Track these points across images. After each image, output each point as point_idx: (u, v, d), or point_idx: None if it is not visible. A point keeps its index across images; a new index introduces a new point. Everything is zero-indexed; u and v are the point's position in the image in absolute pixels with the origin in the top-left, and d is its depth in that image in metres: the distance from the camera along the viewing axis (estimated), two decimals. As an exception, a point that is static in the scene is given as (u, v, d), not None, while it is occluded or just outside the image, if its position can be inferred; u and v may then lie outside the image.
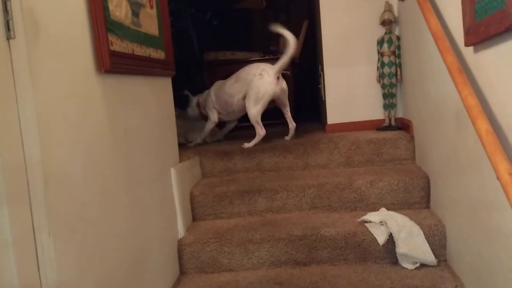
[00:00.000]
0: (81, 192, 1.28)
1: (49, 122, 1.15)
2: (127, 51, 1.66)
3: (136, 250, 1.67)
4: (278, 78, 2.72)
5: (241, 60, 3.52)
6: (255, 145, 2.71)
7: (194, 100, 3.15)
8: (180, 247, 2.14)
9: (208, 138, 3.08)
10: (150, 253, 1.81)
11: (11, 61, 1.03)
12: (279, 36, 3.93)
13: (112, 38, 1.53)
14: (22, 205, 1.03)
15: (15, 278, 0.99)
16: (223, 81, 3.01)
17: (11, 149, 1.01)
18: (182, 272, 2.15)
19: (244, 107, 2.79)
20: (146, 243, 1.78)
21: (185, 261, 2.14)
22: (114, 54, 1.52)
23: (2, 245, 0.97)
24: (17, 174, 1.03)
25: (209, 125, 3.01)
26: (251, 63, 3.45)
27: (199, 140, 2.98)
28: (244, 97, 2.77)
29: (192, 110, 3.15)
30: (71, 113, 1.27)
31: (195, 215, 2.40)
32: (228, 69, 3.43)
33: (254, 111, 2.70)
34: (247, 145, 2.71)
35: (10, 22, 1.03)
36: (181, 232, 2.18)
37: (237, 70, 3.39)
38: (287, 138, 2.91)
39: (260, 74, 2.69)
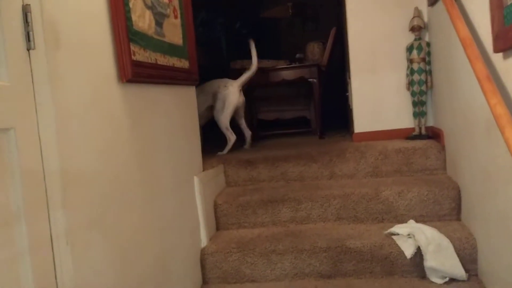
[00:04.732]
0: (100, 200, 1.29)
1: (68, 131, 1.16)
2: (150, 61, 1.67)
3: (157, 258, 1.66)
4: (240, 91, 3.00)
5: (268, 69, 3.51)
6: (229, 151, 2.95)
7: None
8: (203, 256, 2.13)
9: None
10: (172, 262, 1.81)
11: (31, 71, 1.05)
12: (306, 45, 3.93)
13: (134, 48, 1.54)
14: (40, 213, 1.04)
15: (32, 286, 1.00)
16: None
17: (30, 157, 1.03)
18: (205, 281, 2.13)
19: (206, 117, 3.02)
20: (168, 251, 1.77)
21: (208, 271, 2.12)
22: (136, 64, 1.53)
23: (20, 253, 0.98)
24: (35, 181, 1.04)
25: None
26: (277, 71, 3.46)
27: None
28: (207, 108, 2.98)
29: None
30: (91, 122, 1.28)
31: (218, 224, 2.38)
32: (255, 77, 3.43)
33: (223, 119, 2.92)
34: (221, 153, 2.91)
35: (30, 33, 1.05)
36: (204, 241, 2.17)
37: (264, 77, 3.40)
38: (245, 147, 3.17)
39: (225, 86, 2.95)
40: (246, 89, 3.45)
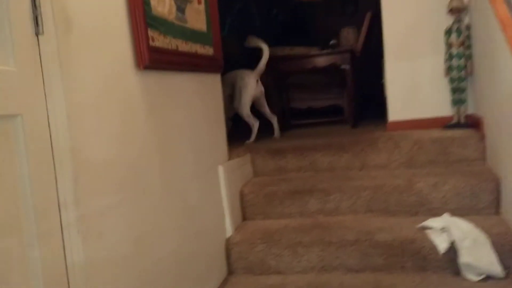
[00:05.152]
0: (115, 188, 1.27)
1: (80, 118, 1.14)
2: (170, 47, 1.64)
3: (178, 247, 1.64)
4: (257, 81, 2.96)
5: (299, 56, 3.42)
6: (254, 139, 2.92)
7: None
8: (228, 246, 2.10)
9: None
10: (194, 252, 1.78)
11: (40, 57, 1.03)
12: (339, 30, 3.80)
13: (153, 33, 1.51)
14: (49, 202, 1.03)
15: (40, 274, 0.98)
16: None
17: (38, 144, 1.01)
18: (230, 272, 2.10)
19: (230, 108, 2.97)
20: (190, 241, 1.75)
21: (233, 261, 2.09)
22: (154, 50, 1.50)
23: (28, 243, 0.97)
24: (44, 169, 1.02)
25: None
26: (309, 58, 3.36)
27: None
28: (228, 99, 2.94)
29: None
30: (106, 109, 1.26)
31: (245, 214, 2.34)
32: (287, 65, 3.36)
33: (242, 107, 2.91)
34: (248, 141, 2.88)
35: (39, 17, 1.02)
36: (229, 231, 2.13)
37: (296, 65, 3.31)
38: (275, 135, 3.10)
39: (242, 77, 2.94)
40: (277, 78, 3.38)
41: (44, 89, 1.04)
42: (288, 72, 3.44)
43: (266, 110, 3.11)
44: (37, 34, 1.03)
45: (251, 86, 2.92)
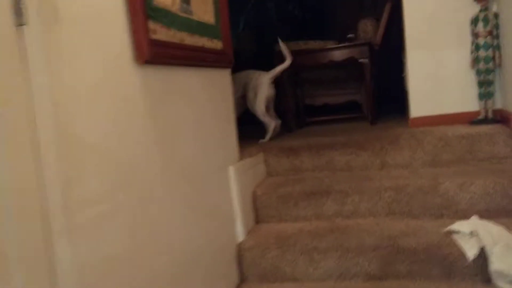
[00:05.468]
0: (112, 193, 1.17)
1: (70, 117, 1.03)
2: (174, 40, 1.52)
3: (186, 254, 1.53)
4: (271, 83, 2.89)
5: (314, 50, 3.27)
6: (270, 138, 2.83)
7: None
8: (240, 251, 1.98)
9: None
10: (202, 258, 1.67)
11: (24, 49, 0.93)
12: (357, 23, 3.64)
13: (155, 26, 1.40)
14: (34, 212, 0.92)
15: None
16: None
17: (20, 144, 0.90)
18: (242, 279, 1.99)
19: (241, 107, 2.92)
20: (197, 246, 1.63)
21: (245, 268, 1.98)
22: (156, 44, 1.39)
23: (7, 239, 0.87)
24: (29, 175, 0.92)
25: None
26: (325, 52, 3.22)
27: None
28: (238, 98, 2.85)
29: None
30: (101, 107, 1.15)
31: (258, 216, 2.22)
32: (301, 59, 3.22)
33: (257, 107, 2.83)
34: (262, 140, 2.78)
35: (22, 6, 0.92)
36: (240, 235, 2.02)
37: (310, 59, 3.17)
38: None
39: (256, 78, 2.86)
40: (292, 73, 3.25)
41: (29, 88, 0.93)
42: (303, 67, 3.30)
43: (271, 112, 3.01)
44: (19, 25, 0.92)
45: (266, 86, 2.85)
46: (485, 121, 2.42)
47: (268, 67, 2.96)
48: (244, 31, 5.17)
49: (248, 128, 2.86)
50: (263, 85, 2.84)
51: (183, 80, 1.61)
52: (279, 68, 2.91)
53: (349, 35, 3.73)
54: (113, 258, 1.14)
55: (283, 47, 2.95)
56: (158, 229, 1.38)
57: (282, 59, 2.95)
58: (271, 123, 2.85)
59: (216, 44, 1.88)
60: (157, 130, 1.42)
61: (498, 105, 2.44)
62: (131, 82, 1.29)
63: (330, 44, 3.30)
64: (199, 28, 1.73)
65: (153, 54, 1.34)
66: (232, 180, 1.99)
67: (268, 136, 2.81)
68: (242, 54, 5.08)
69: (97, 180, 1.12)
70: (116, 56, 1.24)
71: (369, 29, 3.62)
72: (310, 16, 5.35)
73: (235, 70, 2.94)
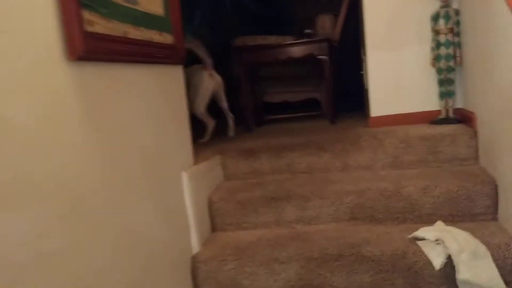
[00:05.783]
0: (43, 212, 0.98)
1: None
2: (116, 34, 1.34)
3: (133, 269, 1.36)
4: (210, 75, 2.76)
5: (273, 46, 3.14)
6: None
7: None
8: (195, 264, 1.83)
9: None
10: (153, 274, 1.50)
11: None
12: (314, 19, 3.54)
13: (91, 17, 1.21)
14: None
15: None
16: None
17: None
18: (197, 293, 1.84)
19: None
20: (148, 263, 1.47)
21: (200, 282, 1.82)
22: (93, 37, 1.20)
23: None
24: None
25: None
26: (283, 48, 3.10)
27: None
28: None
29: None
30: (20, 112, 0.96)
31: (214, 224, 2.07)
32: (259, 56, 3.09)
33: (196, 106, 2.71)
34: (201, 140, 2.68)
35: None
36: (195, 246, 1.86)
37: (268, 55, 3.05)
38: (230, 134, 2.90)
39: (194, 74, 2.73)
40: (249, 69, 3.11)
41: None
42: (261, 63, 3.17)
43: (224, 104, 2.91)
44: None
45: (204, 81, 2.72)
46: (446, 120, 2.37)
47: (224, 64, 2.83)
48: (200, 26, 4.99)
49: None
50: (201, 81, 2.71)
51: (128, 78, 1.43)
52: (206, 56, 2.75)
53: (307, 31, 3.62)
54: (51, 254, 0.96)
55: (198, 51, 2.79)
56: (97, 251, 1.20)
57: (240, 55, 2.82)
58: (211, 123, 2.77)
59: (165, 38, 1.71)
60: (98, 136, 1.24)
61: (459, 104, 2.41)
62: (61, 82, 1.10)
63: (289, 40, 3.17)
64: (146, 20, 1.55)
65: (88, 49, 1.16)
66: (186, 187, 1.83)
67: (207, 137, 2.74)
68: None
69: (17, 199, 0.93)
70: (41, 52, 1.04)
71: (327, 25, 3.53)
72: (267, 11, 5.23)
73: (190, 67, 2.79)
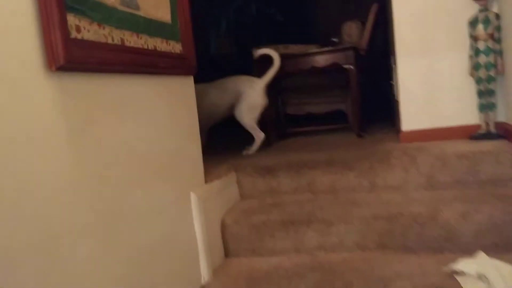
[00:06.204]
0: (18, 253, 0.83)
1: None
2: (109, 41, 1.19)
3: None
4: (265, 91, 2.65)
5: (297, 55, 2.97)
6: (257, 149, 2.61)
7: None
8: (203, 296, 1.65)
9: None
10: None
11: None
12: (341, 26, 3.36)
13: (78, 21, 1.07)
14: None
15: None
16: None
17: None
18: (206, 330, 1.66)
19: (223, 116, 2.69)
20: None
21: (210, 316, 1.65)
22: (80, 45, 1.06)
23: None
24: None
25: None
26: (306, 57, 2.92)
27: None
28: (227, 106, 2.64)
29: None
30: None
31: (227, 249, 1.90)
32: (282, 65, 2.91)
33: (249, 121, 2.59)
34: (247, 152, 2.57)
35: None
36: (205, 275, 1.68)
37: (290, 65, 2.88)
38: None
39: (251, 86, 2.62)
40: (273, 80, 2.94)
41: None
42: (283, 74, 2.99)
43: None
44: None
45: (261, 97, 2.61)
46: (487, 136, 2.13)
47: (247, 73, 2.67)
48: (226, 36, 4.88)
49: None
50: (258, 96, 2.60)
51: (126, 91, 1.28)
52: (271, 72, 2.64)
53: (333, 39, 3.44)
54: None
55: (261, 50, 2.70)
56: (91, 279, 1.04)
57: (262, 65, 2.66)
58: (261, 135, 2.61)
59: (173, 47, 1.56)
60: (87, 156, 1.09)
61: (501, 117, 2.16)
62: (39, 96, 0.95)
63: (311, 48, 2.99)
64: (149, 26, 1.41)
65: (72, 58, 1.01)
66: (195, 208, 1.66)
67: (253, 149, 2.59)
68: (222, 58, 4.78)
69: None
70: (16, 61, 0.90)
71: (353, 32, 3.34)
72: (292, 19, 5.08)
73: (215, 76, 2.64)
